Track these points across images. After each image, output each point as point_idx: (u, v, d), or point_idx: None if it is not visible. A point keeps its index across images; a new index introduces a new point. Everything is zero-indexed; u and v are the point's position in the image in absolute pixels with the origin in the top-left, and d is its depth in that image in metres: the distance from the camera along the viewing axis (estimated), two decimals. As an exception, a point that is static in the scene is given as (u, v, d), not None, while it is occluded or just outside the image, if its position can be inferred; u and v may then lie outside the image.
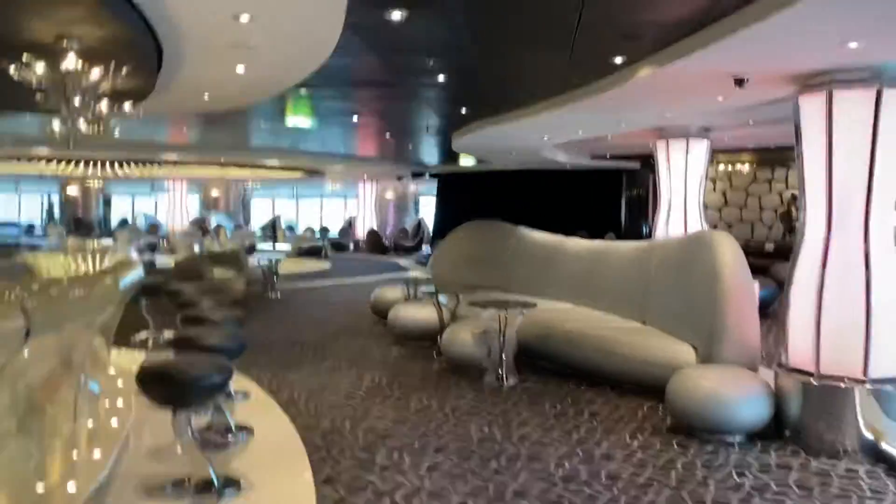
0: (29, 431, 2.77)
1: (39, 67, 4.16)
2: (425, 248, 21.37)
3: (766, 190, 16.30)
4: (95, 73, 4.67)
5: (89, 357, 4.00)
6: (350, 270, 17.84)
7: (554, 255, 8.61)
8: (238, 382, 6.10)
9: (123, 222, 27.73)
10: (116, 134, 6.89)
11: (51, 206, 30.29)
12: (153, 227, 26.18)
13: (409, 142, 15.30)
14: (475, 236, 10.03)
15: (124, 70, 4.84)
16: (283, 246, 21.80)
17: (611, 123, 9.02)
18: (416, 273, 14.83)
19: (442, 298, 7.74)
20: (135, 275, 4.35)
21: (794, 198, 16.94)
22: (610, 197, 19.43)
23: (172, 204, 26.65)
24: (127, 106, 5.70)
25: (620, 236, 16.85)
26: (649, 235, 17.46)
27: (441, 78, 7.75)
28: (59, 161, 19.46)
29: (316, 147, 16.60)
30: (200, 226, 25.41)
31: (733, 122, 9.74)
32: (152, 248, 20.96)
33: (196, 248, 15.86)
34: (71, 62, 4.05)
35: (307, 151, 17.44)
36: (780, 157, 15.15)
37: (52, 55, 4.24)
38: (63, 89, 4.98)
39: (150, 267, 12.50)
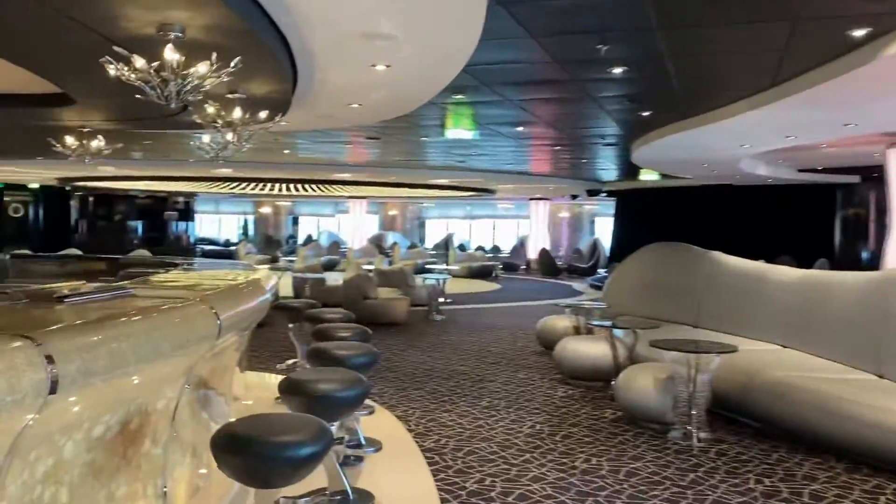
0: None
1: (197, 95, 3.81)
2: (600, 271, 20.05)
3: None
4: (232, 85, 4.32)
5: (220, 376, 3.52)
6: (519, 293, 17.04)
7: (756, 285, 7.22)
8: (381, 421, 5.47)
9: (308, 239, 28.93)
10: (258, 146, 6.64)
11: (245, 224, 32.46)
12: (334, 245, 27.08)
13: (582, 155, 14.11)
14: (658, 261, 8.82)
15: (258, 77, 4.44)
16: (454, 266, 21.46)
17: (833, 125, 7.45)
18: (588, 300, 13.73)
19: (617, 332, 6.68)
20: (259, 297, 3.80)
21: None
22: (820, 217, 16.84)
23: (353, 223, 27.43)
24: (263, 114, 5.30)
25: (834, 264, 14.53)
26: (871, 263, 15.00)
27: (618, 71, 6.57)
28: (247, 182, 20.50)
29: (485, 164, 16.03)
30: (376, 244, 25.88)
31: None
32: (332, 265, 21.60)
33: (370, 267, 15.87)
34: (204, 67, 3.63)
35: (477, 169, 16.91)
36: None
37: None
38: (208, 105, 4.69)
39: (319, 285, 12.47)
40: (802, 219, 17.19)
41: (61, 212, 24.90)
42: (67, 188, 24.05)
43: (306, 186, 21.23)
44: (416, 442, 5.11)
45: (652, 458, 4.85)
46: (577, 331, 8.18)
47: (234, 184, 21.09)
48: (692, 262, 8.30)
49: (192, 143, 7.45)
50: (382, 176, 18.34)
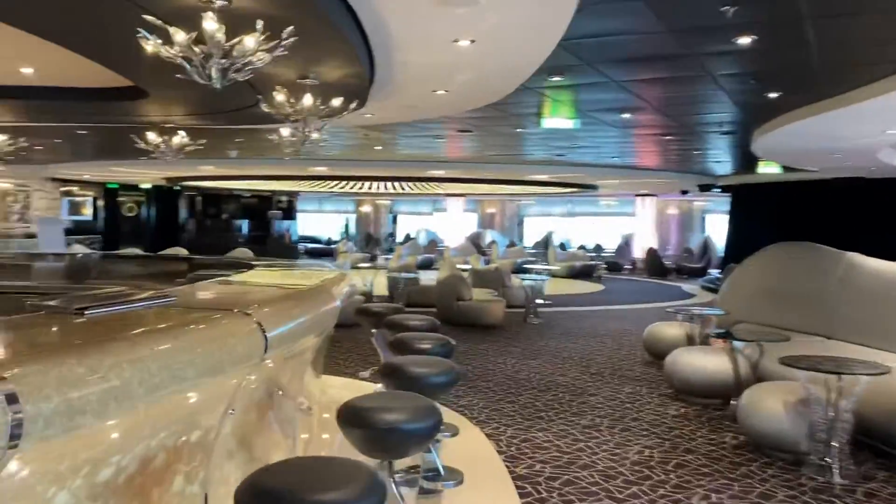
0: None
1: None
2: (712, 272, 18.75)
3: None
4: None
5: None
6: (624, 295, 16.11)
7: (905, 291, 6.21)
8: (467, 440, 4.95)
9: (406, 238, 28.86)
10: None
11: (347, 222, 32.82)
12: (433, 244, 26.83)
13: (694, 145, 12.93)
14: (783, 263, 7.86)
15: (327, 59, 4.02)
16: (554, 265, 20.69)
17: None
18: (700, 304, 12.73)
19: (737, 344, 5.88)
20: (326, 306, 3.37)
21: None
22: None
23: (450, 221, 27.09)
24: (337, 101, 4.87)
25: None
26: None
27: (745, 41, 5.60)
28: (344, 180, 20.52)
29: (587, 158, 15.19)
30: (474, 242, 25.44)
31: None
32: (429, 264, 21.33)
33: (466, 266, 15.44)
34: (251, 41, 3.21)
35: (577, 163, 16.07)
36: None
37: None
38: (277, 92, 4.31)
39: (412, 284, 12.10)
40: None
41: (170, 211, 25.87)
42: (176, 188, 24.93)
43: (403, 185, 21.06)
44: (507, 466, 4.55)
45: (785, 498, 4.10)
46: (689, 340, 7.38)
47: (333, 182, 21.18)
48: (824, 264, 7.32)
49: (272, 136, 7.21)
50: (478, 172, 17.82)
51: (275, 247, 22.71)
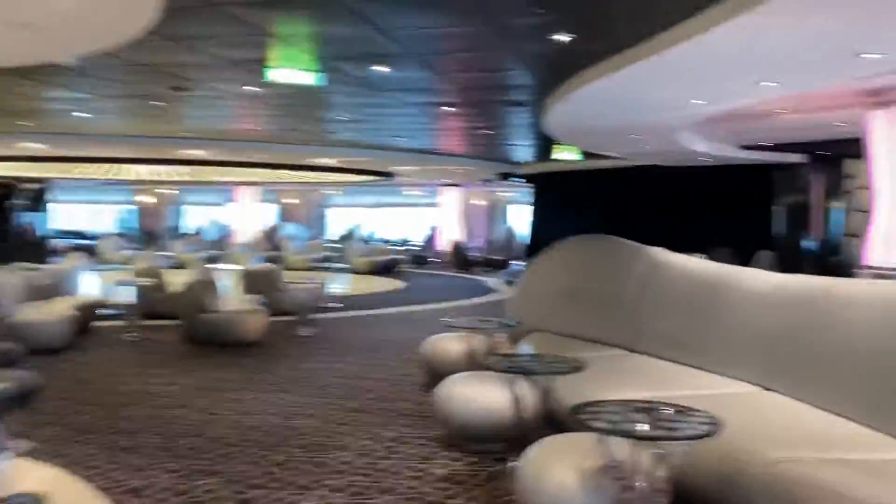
0: None
1: None
2: (515, 265, 17.91)
3: None
4: None
5: None
6: (425, 292, 14.70)
7: (718, 295, 5.08)
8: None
9: (189, 232, 25.82)
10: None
11: (121, 215, 28.99)
12: (224, 238, 24.11)
13: (484, 121, 11.29)
14: (581, 259, 6.66)
15: None
16: (354, 260, 18.96)
17: (840, 55, 5.06)
18: (499, 299, 11.58)
19: (528, 363, 4.39)
20: None
21: None
22: (760, 202, 14.89)
23: (243, 214, 24.47)
24: None
25: (777, 255, 12.69)
26: (818, 257, 13.38)
27: None
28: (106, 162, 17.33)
29: (371, 138, 13.35)
30: (269, 236, 23.12)
31: None
32: (214, 260, 18.95)
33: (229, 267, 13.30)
34: None
35: (364, 144, 14.12)
36: None
37: None
38: None
39: (156, 291, 9.76)
40: (741, 205, 15.16)
41: None
42: None
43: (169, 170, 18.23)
44: None
45: None
46: (473, 359, 5.87)
47: (97, 166, 17.93)
48: (625, 261, 6.17)
49: None
50: (240, 153, 15.33)
51: (16, 243, 18.90)
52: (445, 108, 9.77)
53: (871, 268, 6.92)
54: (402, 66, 6.92)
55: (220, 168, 17.67)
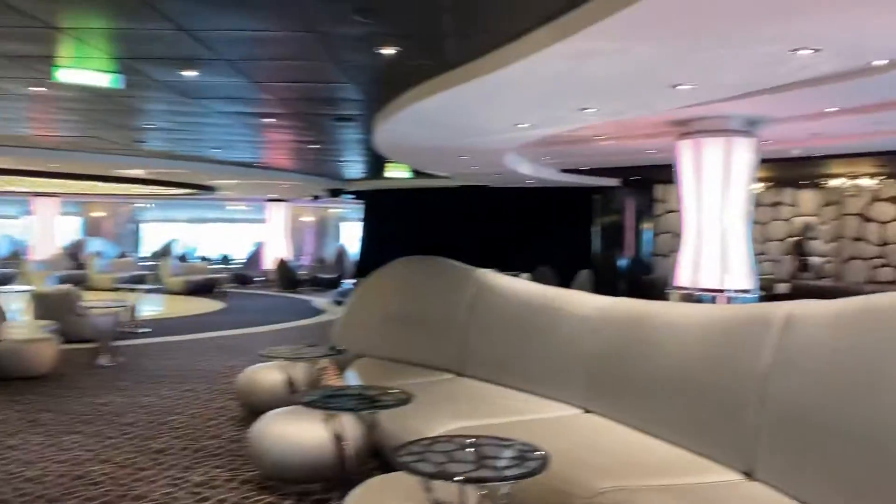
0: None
1: None
2: (345, 283, 17.52)
3: (772, 215, 13.29)
4: None
5: None
6: (247, 314, 13.89)
7: (544, 316, 5.06)
8: None
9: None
10: None
11: None
12: (16, 254, 21.58)
13: (312, 136, 10.70)
14: (409, 281, 6.46)
15: None
16: (169, 280, 17.66)
17: (657, 86, 5.28)
18: (327, 321, 11.16)
19: (350, 397, 4.07)
20: None
21: (808, 225, 14.02)
22: (581, 224, 15.61)
23: (41, 228, 22.04)
24: None
25: (595, 275, 13.31)
26: (632, 276, 14.25)
27: None
28: None
29: (185, 149, 12.42)
30: (72, 253, 21.02)
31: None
32: (8, 279, 16.96)
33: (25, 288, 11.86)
34: None
35: (178, 156, 13.13)
36: (791, 175, 12.13)
37: None
38: None
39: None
40: (564, 225, 15.84)
41: None
42: None
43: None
44: None
45: None
46: (295, 391, 5.46)
47: None
48: (454, 282, 6.04)
49: None
50: (34, 162, 13.71)
51: None
52: (267, 120, 9.20)
53: (681, 288, 7.35)
54: (213, 71, 6.31)
55: (11, 177, 15.73)
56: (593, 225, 15.48)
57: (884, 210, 13.52)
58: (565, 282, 11.61)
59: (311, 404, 3.79)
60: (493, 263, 6.17)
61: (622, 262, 14.38)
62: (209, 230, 28.20)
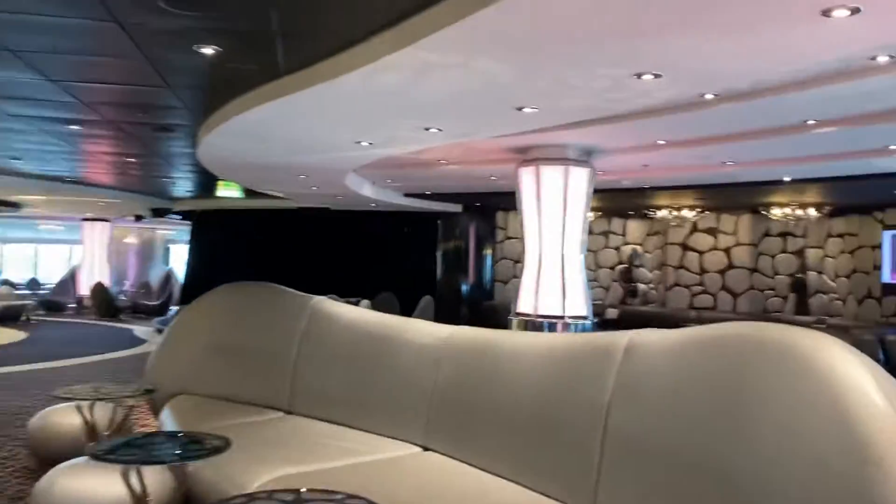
0: None
1: None
2: (173, 310, 16.25)
3: (603, 243, 13.84)
4: None
5: None
6: (55, 345, 12.41)
7: (383, 347, 4.72)
8: None
9: None
10: None
11: None
12: None
13: (133, 151, 9.83)
14: (234, 309, 5.88)
15: None
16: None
17: (499, 108, 5.10)
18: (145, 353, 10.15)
19: (153, 446, 3.47)
20: None
21: (635, 253, 14.75)
22: (424, 249, 15.43)
23: None
24: None
25: (437, 300, 13.17)
26: (473, 301, 14.30)
27: None
28: None
29: None
30: None
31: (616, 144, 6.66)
32: None
33: None
34: None
35: None
36: (620, 206, 12.71)
37: None
38: None
39: None
40: (408, 250, 15.56)
41: None
42: None
43: None
44: None
45: None
46: (90, 436, 4.72)
47: None
48: (284, 311, 5.55)
49: None
50: None
51: None
52: (73, 127, 8.15)
53: (522, 314, 7.31)
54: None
55: None
56: (437, 250, 15.42)
57: (703, 240, 14.58)
58: (409, 307, 11.37)
59: (99, 457, 3.17)
60: (333, 289, 5.79)
61: (465, 288, 14.42)
62: (17, 252, 25.40)
